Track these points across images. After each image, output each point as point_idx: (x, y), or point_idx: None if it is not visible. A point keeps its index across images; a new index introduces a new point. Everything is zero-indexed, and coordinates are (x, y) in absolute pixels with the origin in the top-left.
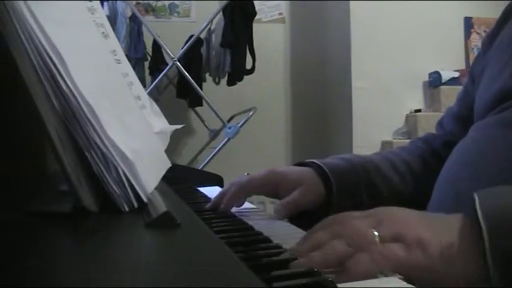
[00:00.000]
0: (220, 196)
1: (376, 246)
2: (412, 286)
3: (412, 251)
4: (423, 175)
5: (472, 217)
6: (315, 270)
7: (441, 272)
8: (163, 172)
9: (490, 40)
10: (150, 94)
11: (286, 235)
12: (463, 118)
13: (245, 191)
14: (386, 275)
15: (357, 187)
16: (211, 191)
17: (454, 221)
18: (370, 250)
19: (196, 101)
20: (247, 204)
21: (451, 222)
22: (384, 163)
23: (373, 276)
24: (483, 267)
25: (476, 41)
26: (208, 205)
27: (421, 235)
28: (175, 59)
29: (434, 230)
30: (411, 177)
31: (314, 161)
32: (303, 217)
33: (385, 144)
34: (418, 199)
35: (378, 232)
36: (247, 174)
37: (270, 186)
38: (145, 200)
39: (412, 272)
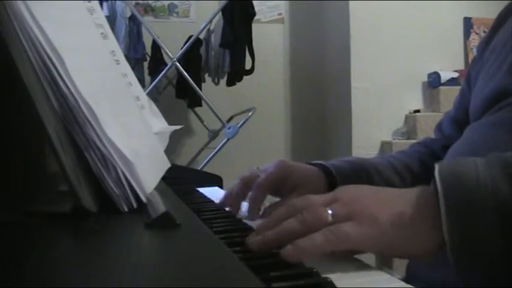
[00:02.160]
0: (236, 196)
1: (328, 225)
2: (411, 286)
3: (363, 226)
4: (423, 177)
5: (430, 185)
6: (315, 270)
7: (393, 239)
8: (162, 172)
9: (485, 44)
10: (149, 94)
11: None
12: (460, 122)
13: (265, 192)
14: (390, 267)
15: None
16: (211, 192)
17: (409, 191)
18: (323, 230)
19: (195, 101)
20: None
21: (405, 192)
22: (384, 166)
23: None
24: (438, 228)
25: (475, 41)
26: (221, 204)
27: (372, 209)
28: (175, 59)
29: (387, 202)
30: (411, 179)
31: (320, 162)
32: None
33: (384, 144)
34: None
35: (331, 210)
36: (258, 168)
37: (281, 182)
38: (144, 200)
39: (365, 247)
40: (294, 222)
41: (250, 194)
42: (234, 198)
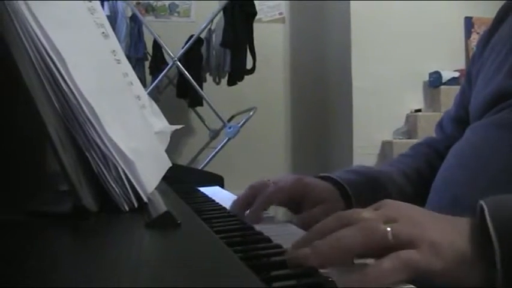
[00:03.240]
0: (242, 203)
1: (393, 250)
2: (412, 286)
3: (429, 257)
4: (431, 179)
5: (480, 223)
6: (315, 270)
7: (453, 272)
8: (163, 172)
9: (485, 41)
10: (150, 94)
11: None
12: (461, 120)
13: (272, 202)
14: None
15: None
16: (212, 191)
17: (460, 222)
18: (390, 256)
19: (196, 100)
20: None
21: (459, 225)
22: (397, 174)
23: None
24: (490, 272)
25: (476, 41)
26: (232, 209)
27: (434, 238)
28: (176, 58)
29: (444, 231)
30: (422, 185)
31: (333, 176)
32: None
33: (385, 143)
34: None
35: (390, 228)
36: (269, 180)
37: (296, 198)
38: (145, 199)
39: (426, 278)
40: (351, 233)
41: (257, 197)
42: (240, 205)
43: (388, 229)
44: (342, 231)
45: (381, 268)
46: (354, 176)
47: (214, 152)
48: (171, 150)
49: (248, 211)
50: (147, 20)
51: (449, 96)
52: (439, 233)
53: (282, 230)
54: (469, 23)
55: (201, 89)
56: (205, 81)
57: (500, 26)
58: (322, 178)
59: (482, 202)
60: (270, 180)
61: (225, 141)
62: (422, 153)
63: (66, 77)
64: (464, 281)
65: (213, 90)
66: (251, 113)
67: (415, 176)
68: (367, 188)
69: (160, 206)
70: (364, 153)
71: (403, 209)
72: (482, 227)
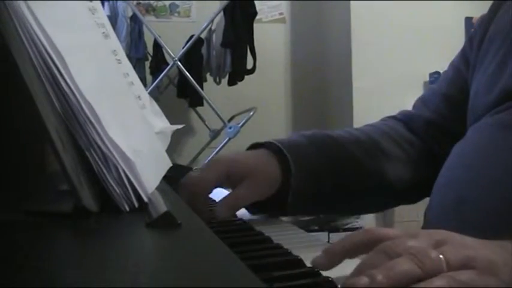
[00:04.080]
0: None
1: (447, 272)
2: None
3: (485, 276)
4: (395, 157)
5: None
6: (315, 270)
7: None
8: (164, 172)
9: (484, 29)
10: (150, 94)
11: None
12: (454, 100)
13: (205, 196)
14: None
15: (319, 166)
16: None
17: (505, 245)
18: (443, 276)
19: (196, 100)
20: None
21: (507, 245)
22: (346, 139)
23: None
24: None
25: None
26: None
27: (490, 258)
28: (176, 58)
29: (496, 251)
30: (383, 157)
31: (270, 140)
32: (262, 206)
33: None
34: (387, 182)
35: (442, 255)
36: (195, 169)
37: (223, 178)
38: (145, 199)
39: None
40: (410, 264)
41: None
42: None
43: (441, 256)
44: (397, 261)
45: (435, 285)
46: (296, 137)
47: (214, 152)
48: (171, 150)
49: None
50: (148, 20)
51: None
52: (492, 252)
53: (282, 230)
54: (469, 23)
55: (202, 89)
56: (205, 81)
57: (495, 15)
58: (263, 145)
59: None
60: (196, 168)
61: (225, 141)
62: (388, 126)
63: (66, 77)
64: None
65: (213, 90)
66: (251, 113)
67: (370, 145)
68: (307, 147)
69: (161, 206)
70: None
71: (448, 234)
72: None
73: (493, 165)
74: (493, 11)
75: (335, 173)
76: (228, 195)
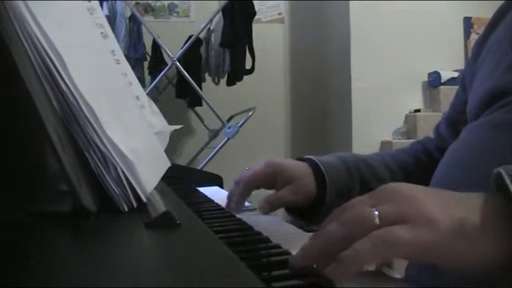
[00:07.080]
0: (230, 197)
1: (375, 230)
2: (412, 286)
3: (418, 230)
4: (417, 176)
5: (493, 189)
6: (315, 270)
7: (453, 248)
8: (163, 172)
9: (480, 45)
10: (149, 94)
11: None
12: (453, 122)
13: (250, 187)
14: (390, 266)
15: (349, 184)
16: (211, 191)
17: (471, 196)
18: (369, 235)
19: (195, 101)
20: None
21: (467, 197)
22: (376, 161)
23: (375, 266)
24: (503, 241)
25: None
26: (226, 207)
27: (428, 211)
28: (175, 59)
29: (444, 204)
30: (403, 177)
31: (311, 157)
32: (298, 211)
33: (384, 144)
34: None
35: (378, 211)
36: (248, 168)
37: (270, 179)
38: (144, 199)
39: (419, 255)
40: (333, 226)
41: (237, 189)
42: (230, 200)
43: (376, 213)
44: (326, 229)
45: (356, 251)
46: (331, 157)
47: (213, 152)
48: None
49: (229, 202)
50: (146, 20)
51: (448, 96)
52: (437, 206)
53: (281, 230)
54: (468, 23)
55: (200, 89)
56: (204, 81)
57: (496, 27)
58: (301, 160)
59: (500, 169)
60: (248, 168)
61: (224, 141)
62: (414, 149)
63: (65, 77)
64: (463, 256)
65: (212, 90)
66: (250, 113)
67: (396, 167)
68: (342, 169)
69: (160, 206)
70: (364, 153)
71: (396, 189)
72: (503, 189)
73: (481, 164)
74: (493, 24)
75: (365, 190)
76: (272, 194)
